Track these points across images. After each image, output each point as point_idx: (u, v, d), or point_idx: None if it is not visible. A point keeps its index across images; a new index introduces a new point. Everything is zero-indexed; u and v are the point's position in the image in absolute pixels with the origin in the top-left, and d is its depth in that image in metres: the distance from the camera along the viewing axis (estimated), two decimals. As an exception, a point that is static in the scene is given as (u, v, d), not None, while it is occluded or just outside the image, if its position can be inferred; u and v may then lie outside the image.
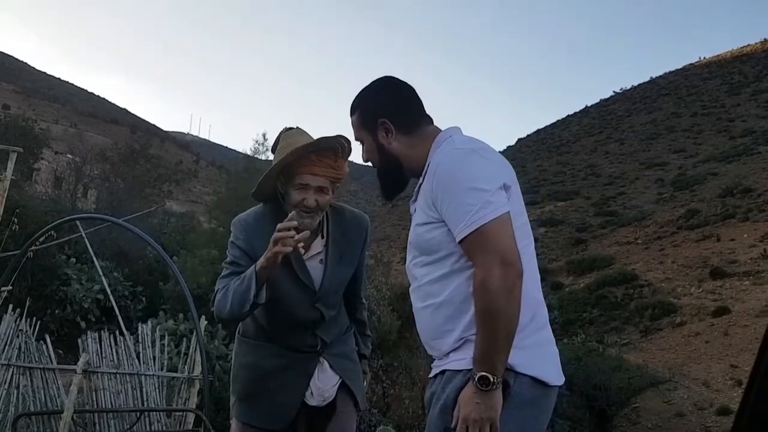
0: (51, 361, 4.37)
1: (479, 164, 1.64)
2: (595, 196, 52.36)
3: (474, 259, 1.59)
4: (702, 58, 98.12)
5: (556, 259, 35.58)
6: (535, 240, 1.80)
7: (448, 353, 1.66)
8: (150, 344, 4.69)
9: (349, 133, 1.97)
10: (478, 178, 1.61)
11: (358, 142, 1.90)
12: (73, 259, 9.95)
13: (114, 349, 4.48)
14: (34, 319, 4.56)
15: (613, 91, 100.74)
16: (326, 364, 2.23)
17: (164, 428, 4.45)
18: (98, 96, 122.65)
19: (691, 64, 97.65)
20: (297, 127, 2.19)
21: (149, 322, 5.17)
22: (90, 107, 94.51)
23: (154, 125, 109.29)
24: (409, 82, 1.88)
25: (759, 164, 43.23)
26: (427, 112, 1.87)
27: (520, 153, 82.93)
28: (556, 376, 1.66)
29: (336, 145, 2.07)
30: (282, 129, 2.20)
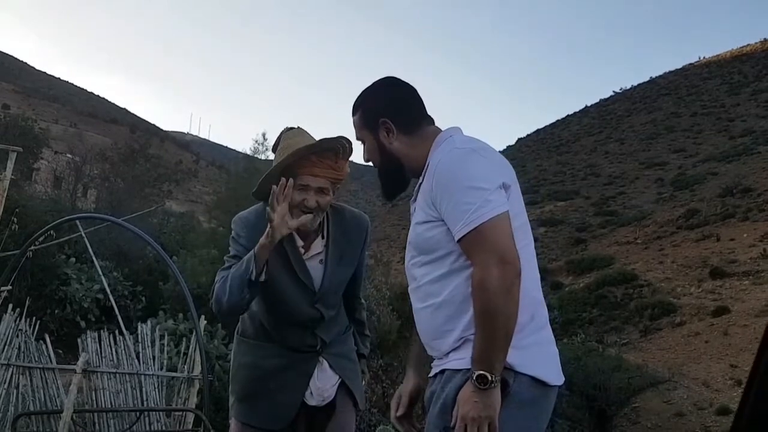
0: (50, 361, 4.37)
1: (479, 163, 1.64)
2: (594, 196, 52.37)
3: (472, 258, 1.59)
4: (702, 58, 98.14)
5: (555, 259, 35.58)
6: (535, 240, 1.80)
7: (448, 353, 1.67)
8: (150, 344, 4.68)
9: (350, 133, 1.97)
10: (477, 177, 1.61)
11: (360, 142, 1.91)
12: (73, 259, 9.95)
13: (114, 349, 4.48)
14: (34, 318, 4.56)
15: (613, 91, 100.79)
16: (326, 363, 2.23)
17: (164, 428, 4.45)
18: (98, 96, 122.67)
19: (690, 63, 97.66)
20: (298, 128, 2.19)
21: (149, 322, 5.16)
22: (90, 107, 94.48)
23: (153, 125, 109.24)
24: (410, 83, 1.88)
25: (759, 164, 43.23)
26: (428, 112, 1.87)
27: (520, 153, 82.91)
28: (555, 376, 1.66)
29: (337, 146, 2.07)
30: (283, 129, 2.20)
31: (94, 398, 4.26)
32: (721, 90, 76.68)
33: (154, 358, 4.67)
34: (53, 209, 11.42)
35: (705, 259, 26.52)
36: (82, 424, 4.18)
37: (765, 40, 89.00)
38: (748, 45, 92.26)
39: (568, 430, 10.82)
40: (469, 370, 1.57)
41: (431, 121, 1.85)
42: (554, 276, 30.90)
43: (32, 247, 5.03)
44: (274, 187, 1.93)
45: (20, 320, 4.34)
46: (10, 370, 4.20)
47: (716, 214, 33.08)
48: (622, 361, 15.56)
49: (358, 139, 1.91)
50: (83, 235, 5.36)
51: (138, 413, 4.33)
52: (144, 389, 4.47)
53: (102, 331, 4.55)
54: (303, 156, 2.04)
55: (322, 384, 2.22)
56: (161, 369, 4.71)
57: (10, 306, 4.47)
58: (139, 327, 4.78)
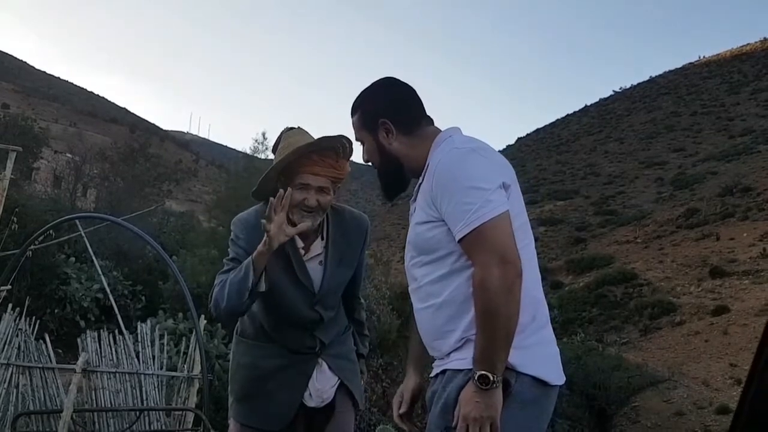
0: (50, 361, 4.37)
1: (478, 163, 1.64)
2: (594, 196, 52.40)
3: (473, 258, 1.59)
4: (701, 57, 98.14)
5: (555, 258, 35.60)
6: (535, 239, 1.80)
7: (449, 353, 1.66)
8: (149, 343, 4.68)
9: (350, 133, 1.97)
10: (477, 177, 1.61)
11: (359, 143, 1.90)
12: (73, 258, 9.94)
13: (113, 349, 4.48)
14: (34, 318, 4.56)
15: (613, 90, 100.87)
16: (325, 365, 2.23)
17: (163, 427, 4.45)
18: (98, 95, 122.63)
19: (690, 63, 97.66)
20: (298, 127, 2.18)
21: (149, 322, 5.16)
22: (89, 106, 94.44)
23: (153, 124, 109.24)
24: (409, 83, 1.88)
25: (758, 163, 43.24)
26: (428, 112, 1.87)
27: (520, 152, 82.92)
28: (557, 376, 1.66)
29: (337, 145, 2.06)
30: (283, 129, 2.19)
31: (93, 398, 4.26)
32: (720, 89, 76.68)
33: (153, 357, 4.66)
34: (53, 209, 11.41)
35: (705, 258, 26.54)
36: (81, 424, 4.18)
37: (765, 39, 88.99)
38: (747, 44, 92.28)
39: (568, 430, 10.81)
40: (470, 370, 1.56)
41: (430, 121, 1.85)
42: (554, 275, 30.91)
43: (32, 247, 5.03)
44: (272, 199, 1.92)
45: (20, 320, 4.34)
46: (10, 369, 4.20)
47: (716, 213, 33.09)
48: (622, 360, 15.56)
49: (357, 139, 1.90)
50: (83, 234, 5.36)
51: (138, 413, 4.33)
52: (144, 389, 4.47)
53: (102, 330, 4.54)
54: (304, 155, 2.03)
55: (321, 385, 2.22)
56: (161, 368, 4.71)
57: (10, 305, 4.46)
58: (138, 326, 4.78)
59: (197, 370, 4.61)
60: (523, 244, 1.62)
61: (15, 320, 4.32)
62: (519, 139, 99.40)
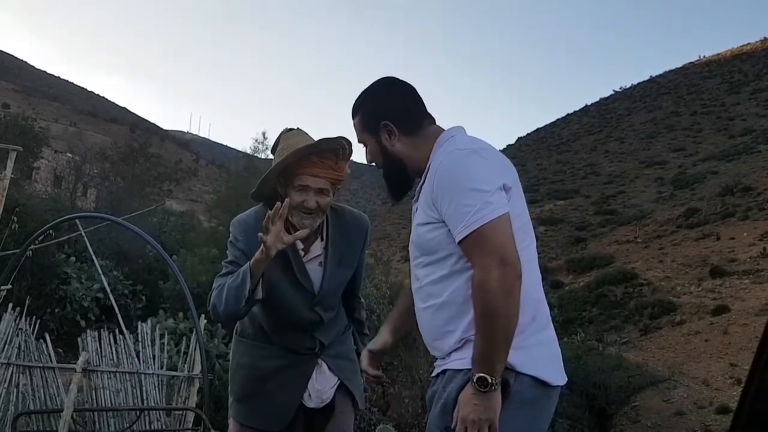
0: (51, 360, 4.37)
1: (479, 165, 1.63)
2: (594, 195, 52.42)
3: (473, 260, 1.58)
4: (702, 57, 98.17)
5: (555, 258, 35.60)
6: (535, 239, 1.79)
7: (450, 353, 1.66)
8: (150, 343, 4.68)
9: (350, 134, 1.97)
10: (477, 178, 1.60)
11: (362, 145, 1.89)
12: (73, 258, 9.95)
13: (114, 348, 4.48)
14: (34, 317, 4.56)
15: (613, 90, 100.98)
16: (324, 366, 2.23)
17: (164, 427, 4.45)
18: (98, 95, 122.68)
19: (691, 62, 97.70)
20: (297, 128, 2.17)
21: (149, 321, 5.16)
22: (89, 106, 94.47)
23: (153, 124, 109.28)
24: (409, 82, 1.87)
25: (759, 163, 43.24)
26: (428, 111, 1.86)
27: (520, 152, 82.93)
28: (557, 376, 1.65)
29: (337, 147, 2.05)
30: (282, 130, 2.19)
31: (94, 397, 4.26)
32: (721, 89, 76.69)
33: (154, 357, 4.66)
34: (53, 208, 11.44)
35: (705, 258, 26.54)
36: (82, 423, 4.18)
37: (765, 39, 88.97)
38: (748, 44, 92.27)
39: (568, 429, 10.81)
40: (470, 370, 1.56)
41: (432, 120, 1.84)
42: (554, 275, 30.92)
43: (32, 246, 5.03)
44: (269, 212, 1.91)
45: (20, 319, 4.33)
46: (10, 369, 4.19)
47: (716, 213, 33.09)
48: (622, 360, 15.58)
49: (359, 141, 1.89)
50: (83, 234, 5.37)
51: (138, 412, 4.33)
52: (144, 388, 4.47)
53: (102, 330, 4.54)
54: (303, 156, 2.02)
55: (321, 386, 2.21)
56: (161, 368, 4.71)
57: (10, 305, 4.46)
58: (139, 326, 4.78)
59: (197, 369, 4.62)
60: (523, 245, 1.62)
61: (15, 320, 4.31)
62: (519, 138, 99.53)
